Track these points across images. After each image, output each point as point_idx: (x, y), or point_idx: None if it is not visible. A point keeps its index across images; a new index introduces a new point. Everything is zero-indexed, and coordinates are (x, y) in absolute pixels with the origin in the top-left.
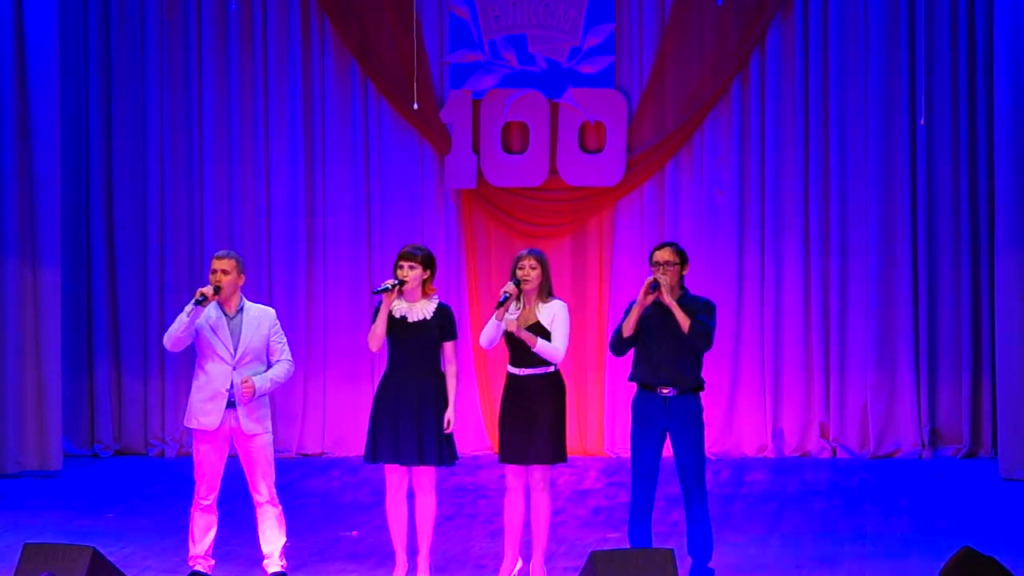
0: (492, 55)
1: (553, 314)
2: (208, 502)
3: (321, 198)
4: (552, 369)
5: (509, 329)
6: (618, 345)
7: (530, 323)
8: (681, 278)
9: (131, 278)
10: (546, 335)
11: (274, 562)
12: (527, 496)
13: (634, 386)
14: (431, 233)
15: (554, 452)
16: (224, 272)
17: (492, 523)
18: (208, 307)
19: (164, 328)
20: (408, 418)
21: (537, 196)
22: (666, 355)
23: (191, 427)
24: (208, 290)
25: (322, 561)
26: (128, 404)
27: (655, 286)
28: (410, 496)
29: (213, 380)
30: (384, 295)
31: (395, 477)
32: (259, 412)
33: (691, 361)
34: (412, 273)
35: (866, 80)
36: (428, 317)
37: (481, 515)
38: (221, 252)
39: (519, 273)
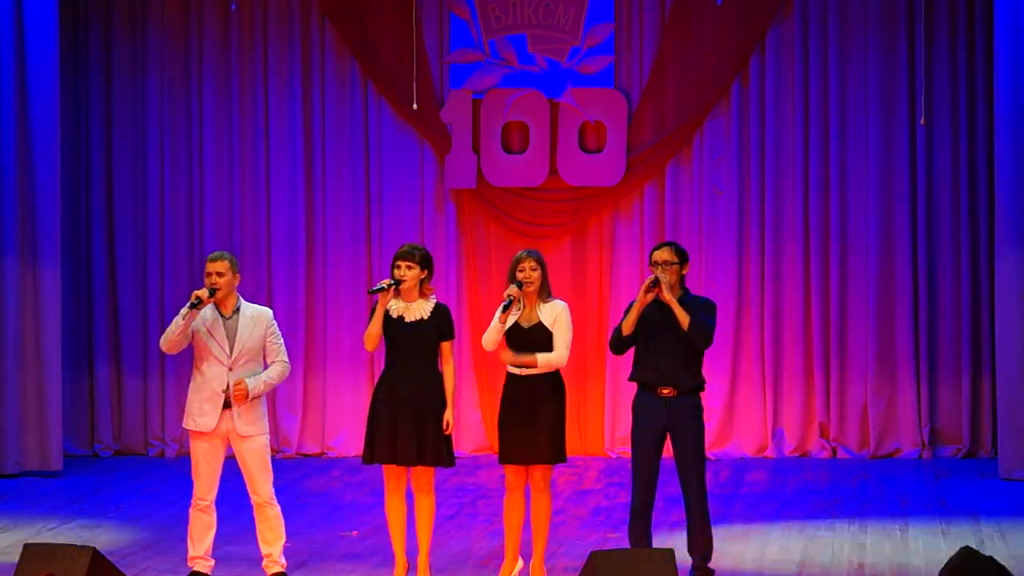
0: (492, 55)
1: (555, 315)
2: (207, 502)
3: (321, 198)
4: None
5: (506, 362)
6: (618, 344)
7: (533, 323)
8: (682, 278)
9: (131, 278)
10: (548, 335)
11: (274, 562)
12: (527, 496)
13: (634, 386)
14: (431, 233)
15: (554, 452)
16: (219, 274)
17: (492, 523)
18: (204, 308)
19: (164, 328)
20: (406, 418)
21: (537, 196)
22: (666, 355)
23: (189, 428)
24: (204, 293)
25: (322, 561)
26: (128, 404)
27: (655, 283)
28: (409, 496)
29: (210, 381)
30: (380, 295)
31: (393, 477)
32: (254, 413)
33: (691, 361)
34: (410, 273)
35: (866, 80)
36: (425, 317)
37: (481, 515)
38: (214, 254)
39: (520, 275)
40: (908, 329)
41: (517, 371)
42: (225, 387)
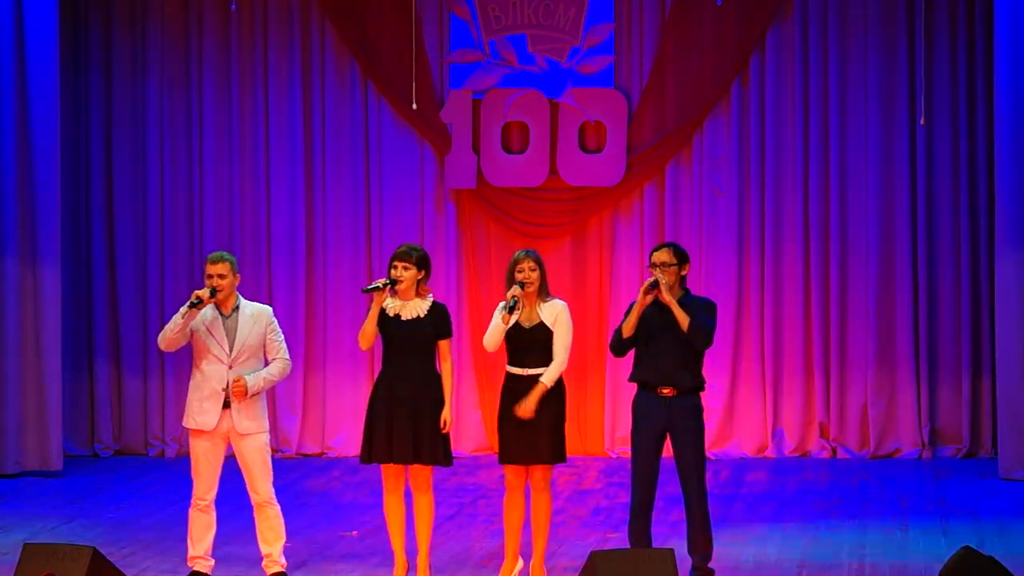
0: (492, 55)
1: (556, 315)
2: (206, 502)
3: (321, 198)
4: None
5: (527, 414)
6: (618, 346)
7: (534, 323)
8: (682, 278)
9: (131, 278)
10: (549, 334)
11: (274, 562)
12: (527, 496)
13: (634, 386)
14: (431, 233)
15: (554, 452)
16: (221, 276)
17: (492, 523)
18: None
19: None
20: (402, 417)
21: (537, 196)
22: (666, 355)
23: (189, 427)
24: (204, 293)
25: (322, 561)
26: (128, 404)
27: (654, 285)
28: (408, 496)
29: (210, 379)
30: (374, 294)
31: (391, 477)
32: (254, 411)
33: (691, 361)
34: (406, 274)
35: (866, 80)
36: (422, 315)
37: (481, 515)
38: (214, 255)
39: (519, 275)
40: (908, 329)
41: (517, 371)
42: (225, 385)
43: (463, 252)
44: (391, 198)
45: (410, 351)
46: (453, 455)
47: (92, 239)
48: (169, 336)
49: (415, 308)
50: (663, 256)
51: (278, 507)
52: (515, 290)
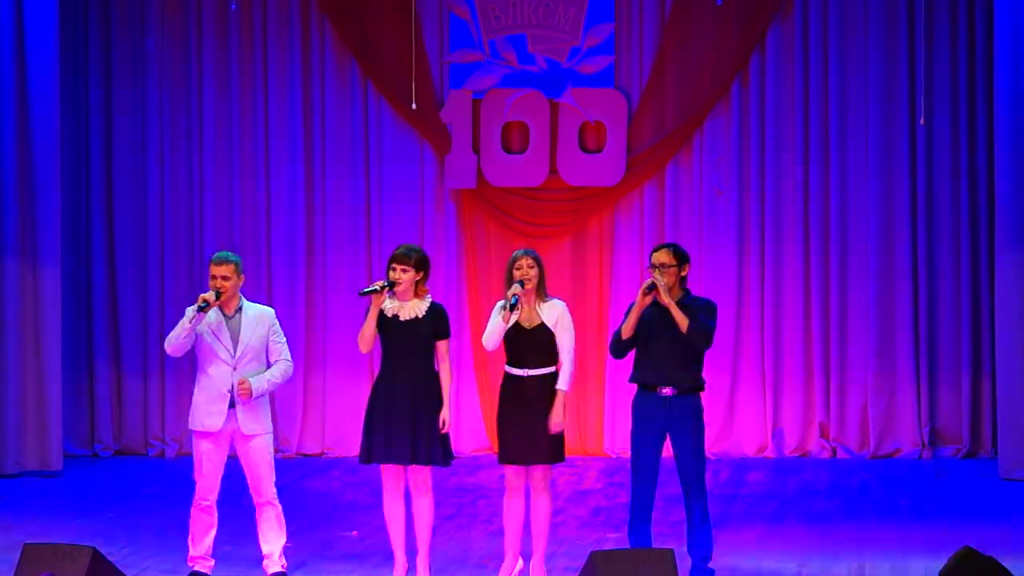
0: (492, 55)
1: (556, 316)
2: (208, 502)
3: (321, 198)
4: (551, 370)
5: (555, 431)
6: (617, 348)
7: (535, 324)
8: (682, 279)
9: (131, 278)
10: (550, 335)
11: (274, 562)
12: (527, 496)
13: (634, 386)
14: (431, 233)
15: (554, 452)
16: (224, 278)
17: (492, 523)
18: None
19: (164, 328)
20: (402, 418)
21: (537, 196)
22: (666, 355)
23: (195, 429)
24: (210, 296)
25: (322, 561)
26: (128, 404)
27: (652, 287)
28: (408, 496)
29: (215, 381)
30: (372, 296)
31: (391, 477)
32: (258, 412)
33: (691, 361)
34: (404, 276)
35: (866, 80)
36: (420, 315)
37: (481, 515)
38: (219, 256)
39: (518, 273)
40: (908, 329)
41: (516, 371)
42: (230, 387)
43: (463, 252)
44: (391, 198)
45: (408, 351)
46: (454, 455)
47: (92, 239)
48: (176, 341)
49: (413, 309)
50: (662, 257)
51: (280, 508)
52: (516, 288)
